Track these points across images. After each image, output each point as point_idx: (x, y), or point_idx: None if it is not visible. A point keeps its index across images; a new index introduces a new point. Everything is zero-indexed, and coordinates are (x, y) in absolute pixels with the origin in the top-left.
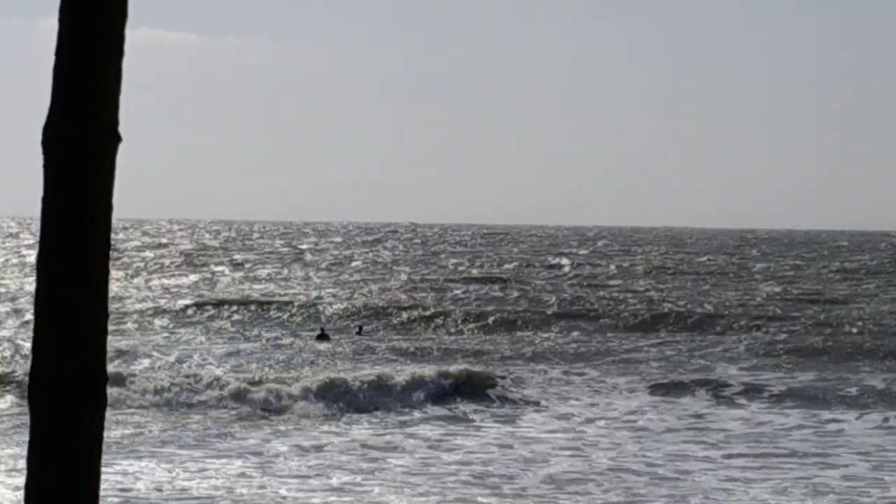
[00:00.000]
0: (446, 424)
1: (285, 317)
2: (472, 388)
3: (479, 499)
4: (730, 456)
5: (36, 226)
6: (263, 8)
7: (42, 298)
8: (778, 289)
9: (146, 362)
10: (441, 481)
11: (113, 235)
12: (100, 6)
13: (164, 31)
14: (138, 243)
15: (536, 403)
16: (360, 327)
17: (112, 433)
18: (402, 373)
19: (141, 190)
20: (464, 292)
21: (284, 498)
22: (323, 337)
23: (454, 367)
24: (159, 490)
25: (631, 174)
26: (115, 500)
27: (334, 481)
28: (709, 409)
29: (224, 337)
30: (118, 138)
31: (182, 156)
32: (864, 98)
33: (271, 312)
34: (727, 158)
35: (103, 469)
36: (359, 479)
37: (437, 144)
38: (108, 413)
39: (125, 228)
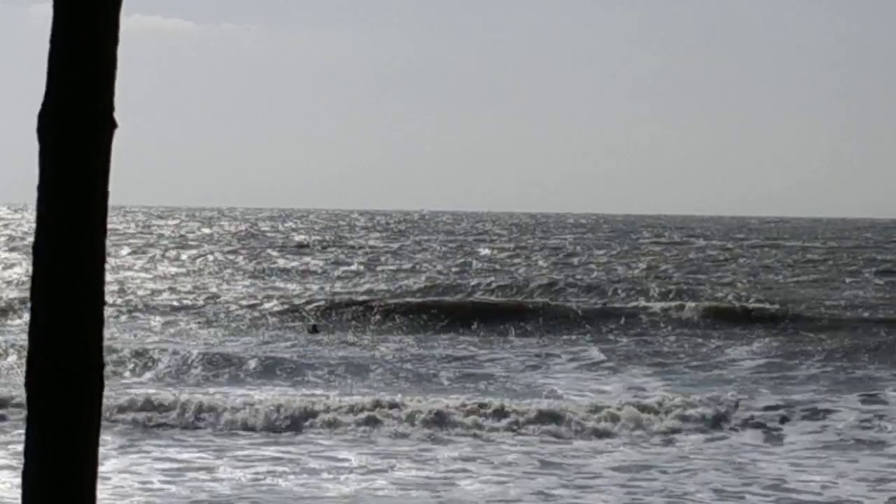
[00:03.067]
0: None
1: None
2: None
3: None
4: None
5: (32, 213)
6: None
7: (38, 285)
8: None
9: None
10: None
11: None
12: None
13: (160, 18)
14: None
15: None
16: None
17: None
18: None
19: (137, 176)
20: None
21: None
22: (314, 330)
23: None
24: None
25: (625, 163)
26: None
27: None
28: None
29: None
30: (114, 124)
31: (178, 142)
32: (863, 91)
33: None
34: (719, 146)
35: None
36: None
37: (437, 132)
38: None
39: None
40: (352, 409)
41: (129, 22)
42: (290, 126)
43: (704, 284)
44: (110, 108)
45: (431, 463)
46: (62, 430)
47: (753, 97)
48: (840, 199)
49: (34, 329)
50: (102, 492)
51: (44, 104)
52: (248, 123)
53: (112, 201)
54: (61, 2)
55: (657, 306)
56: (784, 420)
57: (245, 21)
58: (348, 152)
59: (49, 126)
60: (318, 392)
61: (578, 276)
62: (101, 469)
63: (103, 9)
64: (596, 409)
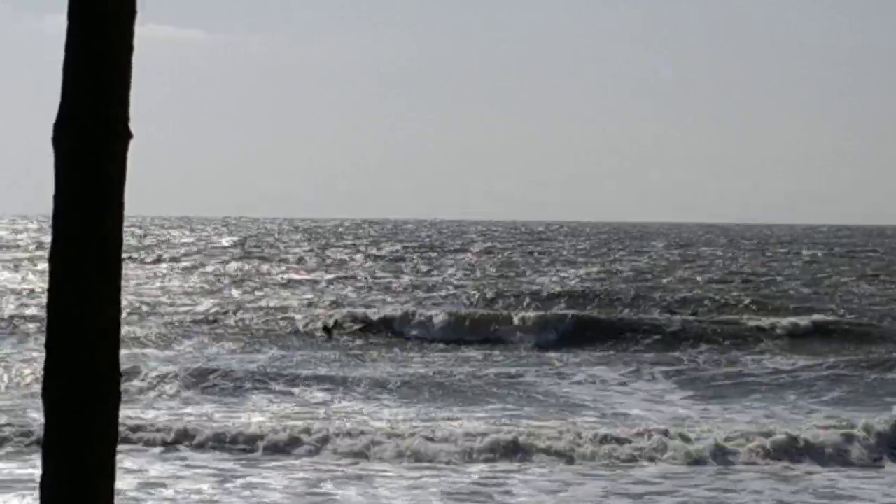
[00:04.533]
0: None
1: None
2: None
3: None
4: None
5: (48, 224)
6: (271, 3)
7: (55, 295)
8: None
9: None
10: None
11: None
12: (109, 2)
13: (173, 28)
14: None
15: None
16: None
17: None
18: None
19: (151, 186)
20: None
21: None
22: (328, 330)
23: None
24: None
25: (629, 169)
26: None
27: None
28: None
29: None
30: (129, 135)
31: (192, 152)
32: (867, 93)
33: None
34: (724, 153)
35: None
36: None
37: (446, 137)
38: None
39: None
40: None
41: (142, 32)
42: (302, 133)
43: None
44: (125, 117)
45: None
46: (79, 442)
47: (759, 97)
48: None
49: (50, 340)
50: None
51: (59, 114)
52: (260, 130)
53: (127, 211)
54: (76, 11)
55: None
56: None
57: (256, 31)
58: (360, 159)
59: (64, 135)
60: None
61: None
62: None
63: (118, 17)
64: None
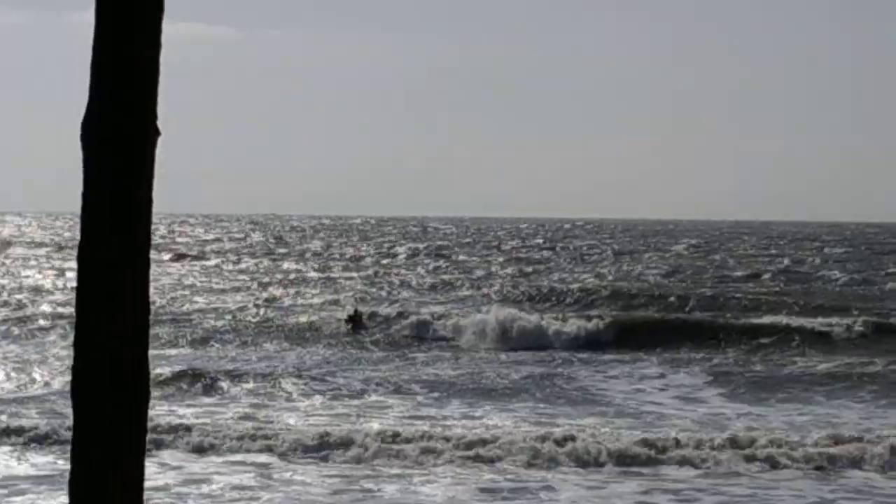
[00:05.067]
0: None
1: None
2: None
3: None
4: None
5: (76, 221)
6: (301, 0)
7: (83, 292)
8: None
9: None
10: None
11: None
12: (137, 0)
13: (203, 25)
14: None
15: None
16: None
17: None
18: None
19: (178, 184)
20: None
21: None
22: (352, 319)
23: None
24: None
25: (631, 169)
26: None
27: None
28: None
29: None
30: (157, 131)
31: (219, 150)
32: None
33: None
34: (722, 152)
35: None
36: None
37: (466, 137)
38: None
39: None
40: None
41: (171, 30)
42: (329, 130)
43: None
44: (153, 114)
45: None
46: (107, 440)
47: (758, 97)
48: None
49: (80, 337)
50: None
51: (87, 112)
52: (286, 128)
53: (155, 208)
54: (104, 9)
55: None
56: None
57: (286, 27)
58: (387, 157)
59: (93, 133)
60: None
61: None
62: None
63: (146, 16)
64: None
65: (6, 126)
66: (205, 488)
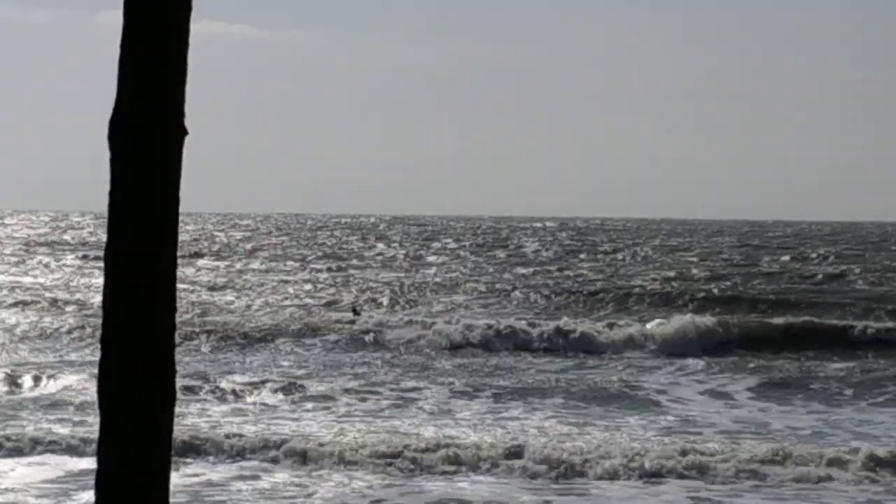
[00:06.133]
0: None
1: None
2: None
3: None
4: None
5: (103, 221)
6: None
7: (110, 292)
8: None
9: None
10: None
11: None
12: None
13: (225, 24)
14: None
15: None
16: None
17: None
18: None
19: (203, 183)
20: None
21: None
22: (356, 312)
23: None
24: None
25: (632, 168)
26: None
27: None
28: None
29: None
30: (184, 131)
31: (243, 149)
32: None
33: None
34: (724, 151)
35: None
36: None
37: (482, 137)
38: None
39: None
40: None
41: (194, 28)
42: (350, 129)
43: None
44: (180, 114)
45: None
46: (134, 439)
47: (759, 98)
48: None
49: (106, 336)
50: None
51: (115, 111)
52: (308, 127)
53: (182, 208)
54: (132, 9)
55: None
56: None
57: (308, 27)
58: (408, 156)
59: (120, 133)
60: None
61: None
62: None
63: (174, 15)
64: None
65: (34, 125)
66: (259, 483)
